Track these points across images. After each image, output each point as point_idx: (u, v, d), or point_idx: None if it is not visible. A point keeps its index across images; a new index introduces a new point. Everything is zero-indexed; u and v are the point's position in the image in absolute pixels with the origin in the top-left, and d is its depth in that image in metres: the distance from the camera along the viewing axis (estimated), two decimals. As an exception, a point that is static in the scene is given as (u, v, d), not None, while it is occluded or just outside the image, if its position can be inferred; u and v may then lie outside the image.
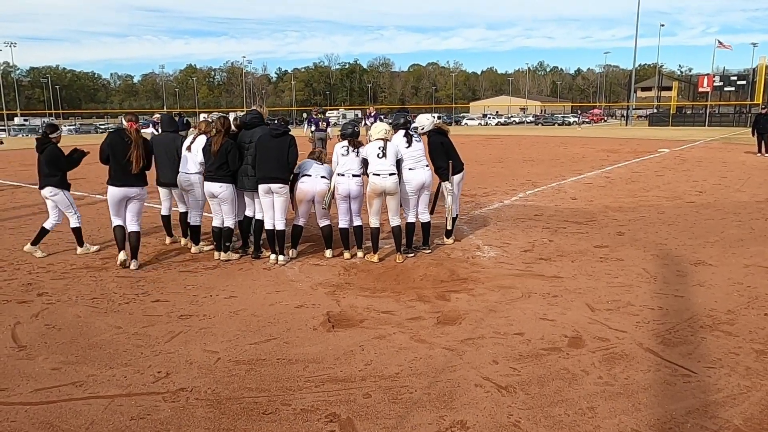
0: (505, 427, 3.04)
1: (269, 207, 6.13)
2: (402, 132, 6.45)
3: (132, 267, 6.13)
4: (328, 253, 6.48)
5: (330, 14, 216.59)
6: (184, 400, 3.36)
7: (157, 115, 6.59)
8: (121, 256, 6.17)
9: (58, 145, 6.75)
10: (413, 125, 6.74)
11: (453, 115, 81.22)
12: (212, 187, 6.22)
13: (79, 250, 6.83)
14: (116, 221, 6.23)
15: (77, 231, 6.78)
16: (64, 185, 6.58)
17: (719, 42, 56.81)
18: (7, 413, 3.23)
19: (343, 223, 6.39)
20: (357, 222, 6.40)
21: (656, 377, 3.55)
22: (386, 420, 3.12)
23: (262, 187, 6.04)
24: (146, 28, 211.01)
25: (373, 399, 3.34)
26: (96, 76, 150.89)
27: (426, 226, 6.66)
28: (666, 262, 6.16)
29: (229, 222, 6.37)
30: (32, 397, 3.41)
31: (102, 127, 66.90)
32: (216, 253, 6.48)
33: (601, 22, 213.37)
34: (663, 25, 64.71)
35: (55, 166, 6.47)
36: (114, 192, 6.15)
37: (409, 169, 6.33)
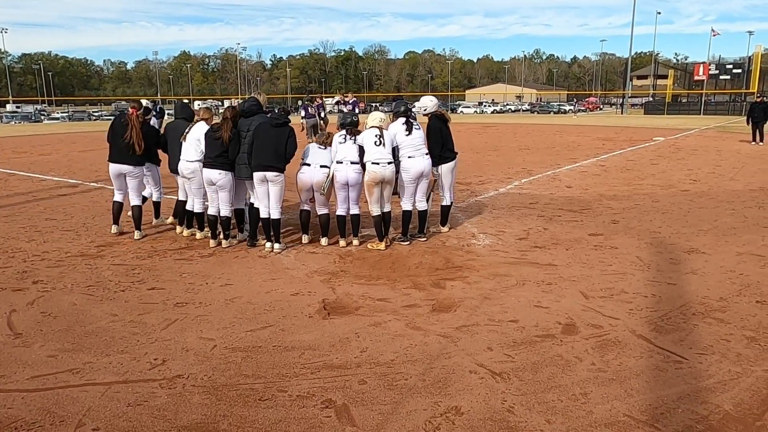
0: (498, 412, 3.08)
1: (264, 195, 6.12)
2: (402, 119, 6.40)
3: (135, 237, 6.83)
4: (323, 241, 6.48)
5: (326, 1, 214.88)
6: (181, 386, 3.38)
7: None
8: (113, 229, 7.02)
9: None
10: (416, 106, 6.70)
11: (449, 102, 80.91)
12: (211, 174, 6.20)
13: (155, 221, 7.48)
14: (117, 196, 6.96)
15: (139, 208, 7.07)
16: (155, 161, 7.27)
17: (713, 30, 56.72)
18: (4, 400, 3.24)
19: (340, 211, 6.39)
20: (354, 210, 6.40)
21: (648, 363, 3.60)
22: (381, 406, 3.15)
23: (257, 175, 6.02)
24: (141, 14, 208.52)
25: (368, 385, 3.37)
26: (89, 62, 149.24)
27: (423, 215, 6.67)
28: (660, 250, 6.20)
29: (226, 211, 6.37)
30: (29, 384, 3.43)
31: (95, 114, 66.26)
32: (211, 241, 6.48)
33: (598, 10, 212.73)
34: (660, 13, 64.44)
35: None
36: (111, 168, 6.81)
37: (409, 157, 6.31)
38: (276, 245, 6.24)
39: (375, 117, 6.32)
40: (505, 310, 4.51)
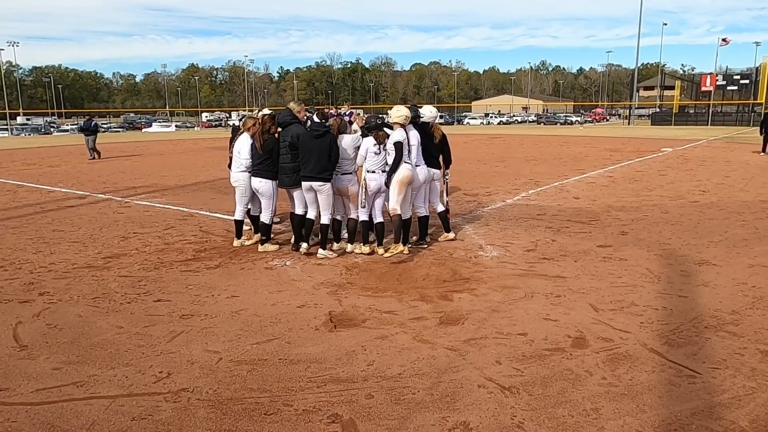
0: (508, 428, 3.02)
1: (312, 201, 6.37)
2: (413, 127, 6.48)
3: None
4: (349, 247, 6.57)
5: (334, 14, 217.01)
6: (186, 400, 3.34)
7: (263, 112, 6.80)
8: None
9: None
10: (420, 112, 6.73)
11: (455, 114, 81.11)
12: (254, 181, 6.53)
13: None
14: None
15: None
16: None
17: (722, 40, 56.65)
18: (8, 413, 3.22)
19: (363, 215, 6.46)
20: (380, 218, 6.47)
21: (661, 378, 3.53)
22: (389, 421, 3.10)
23: (304, 185, 6.28)
24: (150, 28, 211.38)
25: (375, 400, 3.32)
26: (99, 75, 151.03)
27: (424, 220, 6.80)
28: (670, 262, 6.12)
29: (265, 217, 6.58)
30: (33, 397, 3.40)
31: (104, 126, 66.60)
32: (259, 246, 6.66)
33: (605, 21, 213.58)
34: (666, 24, 64.71)
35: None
36: None
37: (416, 165, 6.45)
38: (320, 251, 6.37)
39: (399, 114, 6.23)
40: (514, 323, 4.45)
